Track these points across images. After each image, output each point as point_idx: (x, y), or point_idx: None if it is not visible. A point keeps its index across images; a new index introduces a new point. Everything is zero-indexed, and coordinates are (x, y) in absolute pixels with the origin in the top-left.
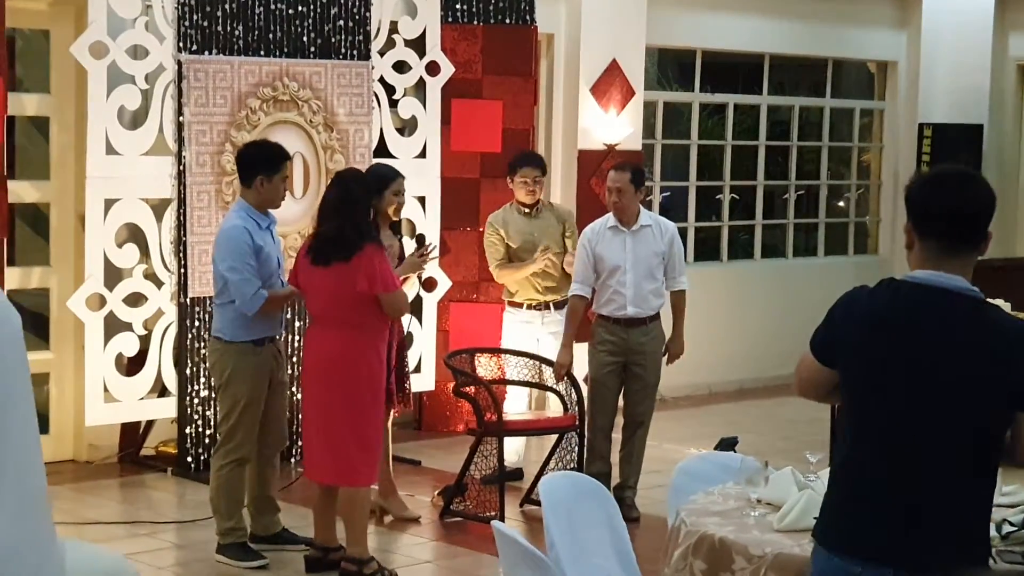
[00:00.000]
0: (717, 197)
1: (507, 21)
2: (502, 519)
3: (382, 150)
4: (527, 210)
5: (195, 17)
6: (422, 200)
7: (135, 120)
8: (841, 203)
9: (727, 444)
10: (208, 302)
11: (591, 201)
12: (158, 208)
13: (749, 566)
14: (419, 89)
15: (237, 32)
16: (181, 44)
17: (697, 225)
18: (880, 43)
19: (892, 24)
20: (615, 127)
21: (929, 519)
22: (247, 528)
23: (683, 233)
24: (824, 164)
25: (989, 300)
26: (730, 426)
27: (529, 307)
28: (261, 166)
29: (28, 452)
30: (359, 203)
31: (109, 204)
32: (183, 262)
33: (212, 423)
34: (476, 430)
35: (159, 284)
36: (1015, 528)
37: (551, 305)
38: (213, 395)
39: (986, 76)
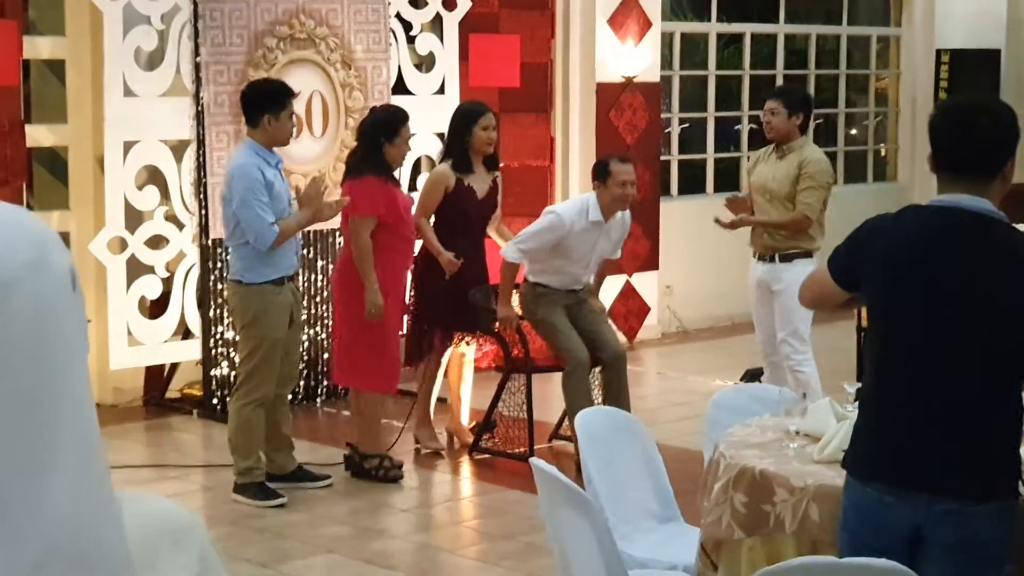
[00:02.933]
0: (736, 128)
1: None
2: (531, 454)
3: (400, 87)
4: (776, 151)
5: None
6: (441, 136)
7: (151, 61)
8: (854, 131)
9: (752, 375)
10: None
11: (609, 134)
12: (177, 149)
13: (791, 498)
14: (436, 24)
15: None
16: None
17: (716, 156)
18: None
19: None
20: (633, 59)
21: (960, 445)
22: (264, 468)
23: (702, 164)
24: (842, 92)
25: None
26: (754, 357)
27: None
28: (267, 104)
29: (84, 411)
30: (368, 135)
31: (128, 147)
32: (204, 203)
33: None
34: (503, 367)
35: (180, 226)
36: None
37: (776, 256)
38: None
39: (1003, 1)
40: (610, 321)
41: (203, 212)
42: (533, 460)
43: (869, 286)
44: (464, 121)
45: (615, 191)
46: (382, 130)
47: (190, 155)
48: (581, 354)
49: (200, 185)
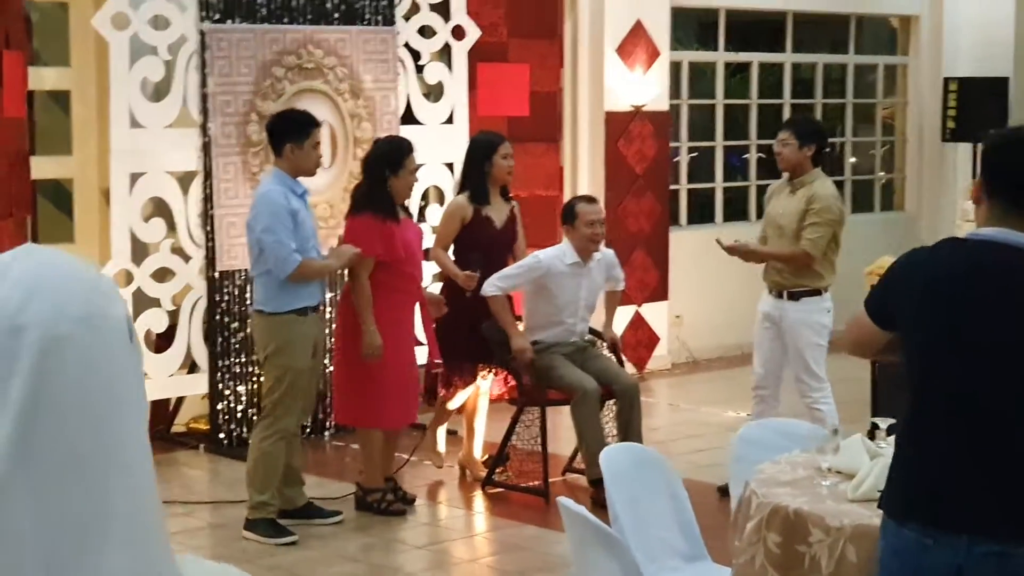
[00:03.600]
0: (744, 156)
1: None
2: (546, 488)
3: (409, 117)
4: (789, 183)
5: None
6: (451, 166)
7: (158, 92)
8: (854, 159)
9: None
10: (237, 276)
11: (618, 163)
12: (184, 181)
13: (827, 538)
14: (444, 54)
15: (260, 0)
16: (203, 13)
17: (725, 185)
18: None
19: None
20: (641, 88)
21: (1003, 485)
22: (277, 505)
23: (711, 193)
24: (849, 121)
25: None
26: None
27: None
28: (290, 134)
29: (140, 470)
30: (371, 169)
31: (134, 178)
32: (211, 235)
33: (244, 398)
34: (517, 399)
35: (187, 258)
36: None
37: (784, 293)
38: (245, 370)
39: (1010, 28)
40: (621, 356)
41: (210, 244)
42: (560, 499)
43: (905, 321)
44: (483, 151)
45: (584, 231)
46: (386, 163)
47: (197, 187)
48: (587, 383)
49: (207, 217)
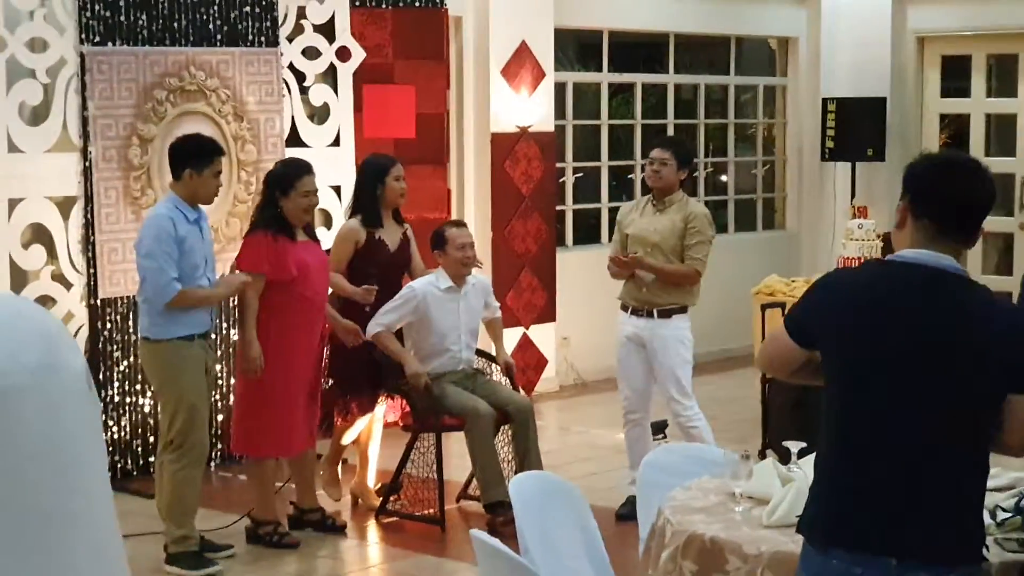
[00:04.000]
0: (628, 177)
1: (416, 4)
2: (441, 516)
3: (294, 139)
4: (654, 200)
5: (96, 7)
6: (337, 189)
7: (36, 116)
8: (724, 177)
9: (657, 428)
10: (120, 303)
11: (505, 185)
12: (64, 206)
13: (744, 566)
14: (329, 75)
15: (141, 21)
16: (83, 35)
17: (610, 206)
18: (781, 19)
19: (793, 1)
20: (527, 109)
21: (928, 507)
22: (197, 536)
23: (597, 214)
24: (731, 141)
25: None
26: (653, 408)
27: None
28: (192, 158)
29: (103, 528)
30: (265, 189)
31: (13, 204)
32: (92, 262)
33: (129, 429)
34: (412, 426)
35: (68, 286)
36: (1009, 514)
37: (654, 312)
38: (130, 400)
39: (887, 49)
40: (514, 381)
41: (91, 271)
42: (474, 532)
43: (827, 343)
44: (375, 174)
45: (455, 255)
46: (277, 184)
47: (77, 212)
48: (480, 406)
49: (88, 243)
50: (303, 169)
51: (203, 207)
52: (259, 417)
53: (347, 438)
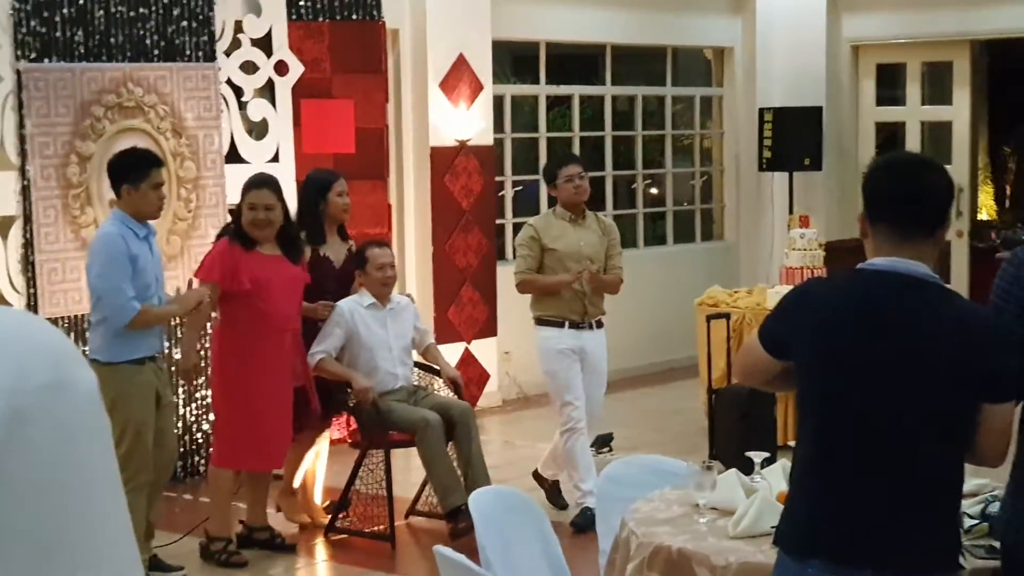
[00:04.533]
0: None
1: (354, 17)
2: (391, 533)
3: (233, 155)
4: (572, 215)
5: (32, 23)
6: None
7: None
8: (658, 190)
9: (603, 441)
10: (61, 323)
11: (445, 199)
12: (2, 226)
13: None
14: (267, 90)
15: (77, 37)
16: (19, 52)
17: None
18: (716, 30)
19: (727, 10)
20: (466, 122)
21: (905, 517)
22: (147, 558)
23: None
24: (668, 152)
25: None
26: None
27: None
28: (127, 174)
29: (121, 551)
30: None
31: None
32: (32, 282)
33: None
34: (360, 443)
35: (7, 305)
36: (976, 521)
37: (593, 324)
38: None
39: (822, 58)
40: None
41: (31, 291)
42: (437, 548)
43: (802, 354)
44: (317, 189)
45: (375, 275)
46: (242, 197)
47: (16, 232)
48: (428, 415)
49: (28, 263)
50: (252, 183)
51: (152, 223)
52: (234, 430)
53: (304, 464)
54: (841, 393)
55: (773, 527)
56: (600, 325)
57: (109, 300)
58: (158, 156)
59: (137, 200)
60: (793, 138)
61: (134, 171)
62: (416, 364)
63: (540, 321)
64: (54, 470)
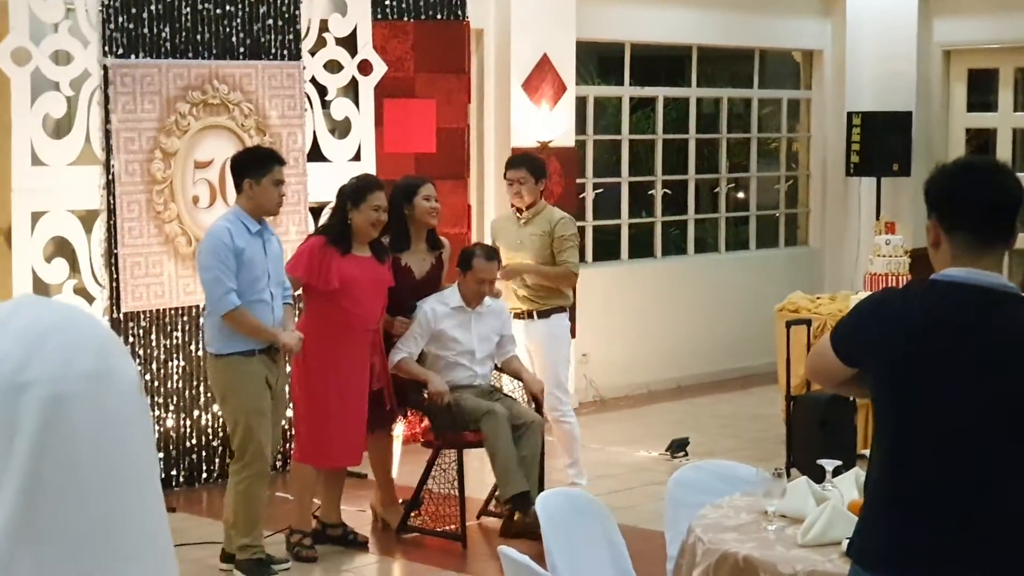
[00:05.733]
0: (649, 192)
1: (438, 16)
2: (463, 533)
3: (316, 153)
4: (518, 214)
5: (120, 19)
6: None
7: (59, 129)
8: (741, 194)
9: (679, 445)
10: (143, 317)
11: None
12: (87, 220)
13: None
14: (351, 89)
15: (164, 34)
16: (106, 48)
17: (631, 221)
18: (805, 32)
19: (817, 12)
20: (548, 124)
21: (981, 530)
22: (263, 545)
23: (616, 230)
24: (754, 156)
25: None
26: (673, 426)
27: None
28: (250, 168)
29: (156, 542)
30: (337, 203)
31: (36, 217)
32: (115, 275)
33: (163, 442)
34: (433, 442)
35: (90, 299)
36: None
37: (534, 314)
38: (151, 412)
39: (912, 63)
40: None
41: (114, 284)
42: (502, 549)
43: (877, 368)
44: (404, 193)
45: (473, 287)
46: (349, 196)
47: (100, 225)
48: (495, 407)
49: (111, 256)
50: (374, 184)
51: (269, 222)
52: (310, 426)
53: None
54: (918, 409)
55: (845, 538)
56: (544, 315)
57: (208, 290)
58: (280, 155)
59: (258, 194)
60: (881, 143)
61: (258, 165)
62: (498, 368)
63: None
64: (95, 454)
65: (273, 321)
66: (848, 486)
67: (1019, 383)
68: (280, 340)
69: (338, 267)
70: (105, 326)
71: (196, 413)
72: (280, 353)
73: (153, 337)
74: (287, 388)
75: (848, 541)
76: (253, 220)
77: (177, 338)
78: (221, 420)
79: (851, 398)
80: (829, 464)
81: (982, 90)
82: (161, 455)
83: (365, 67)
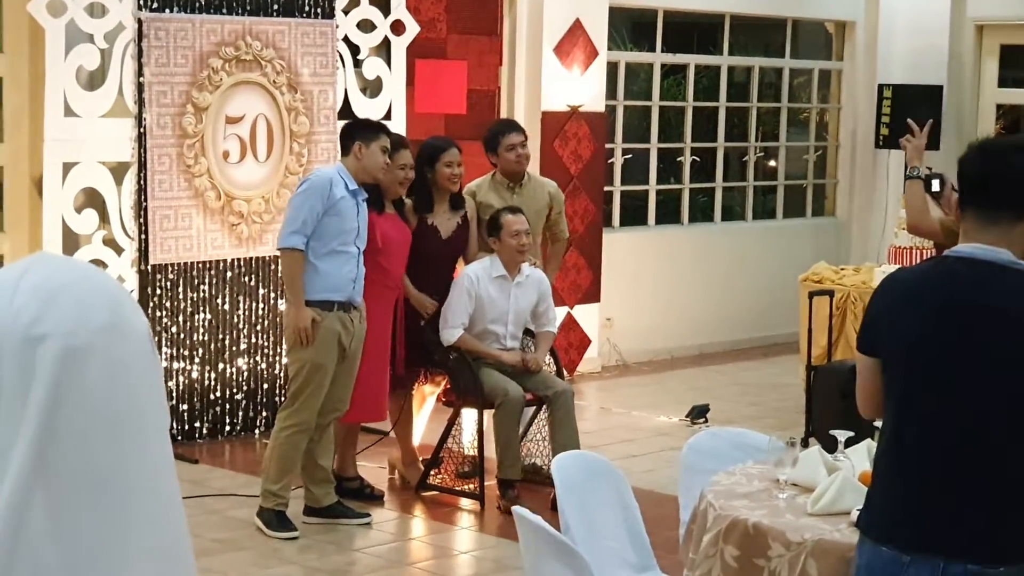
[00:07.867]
0: (678, 159)
1: None
2: (481, 492)
3: (346, 111)
4: (511, 183)
5: None
6: None
7: (93, 81)
8: (772, 162)
9: (699, 412)
10: (171, 269)
11: (554, 164)
12: (117, 171)
13: (787, 552)
14: (383, 49)
15: None
16: (141, 1)
17: (658, 188)
18: (838, 3)
19: None
20: (578, 88)
21: (982, 505)
22: (288, 499)
23: (644, 196)
24: (783, 125)
25: None
26: (695, 392)
27: None
28: (362, 132)
29: (164, 485)
30: None
31: (67, 168)
32: (144, 228)
33: (175, 395)
34: (453, 402)
35: (119, 251)
36: None
37: None
38: (180, 367)
39: (944, 37)
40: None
41: (143, 236)
42: (517, 509)
43: (885, 341)
44: (427, 157)
45: (509, 243)
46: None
47: (131, 178)
48: (510, 388)
49: (140, 209)
50: (398, 143)
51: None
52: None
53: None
54: (922, 380)
55: (855, 508)
56: None
57: (284, 222)
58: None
59: (367, 156)
60: (912, 115)
61: (369, 130)
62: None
63: None
64: (107, 404)
65: (357, 274)
66: (860, 457)
67: (1016, 359)
68: (299, 312)
69: (380, 227)
70: (117, 282)
71: (221, 366)
72: (358, 312)
73: (180, 290)
74: (360, 350)
75: (857, 512)
76: (353, 181)
77: (204, 291)
78: (246, 373)
79: None
80: (841, 434)
81: (1014, 66)
82: (185, 407)
83: (398, 27)
